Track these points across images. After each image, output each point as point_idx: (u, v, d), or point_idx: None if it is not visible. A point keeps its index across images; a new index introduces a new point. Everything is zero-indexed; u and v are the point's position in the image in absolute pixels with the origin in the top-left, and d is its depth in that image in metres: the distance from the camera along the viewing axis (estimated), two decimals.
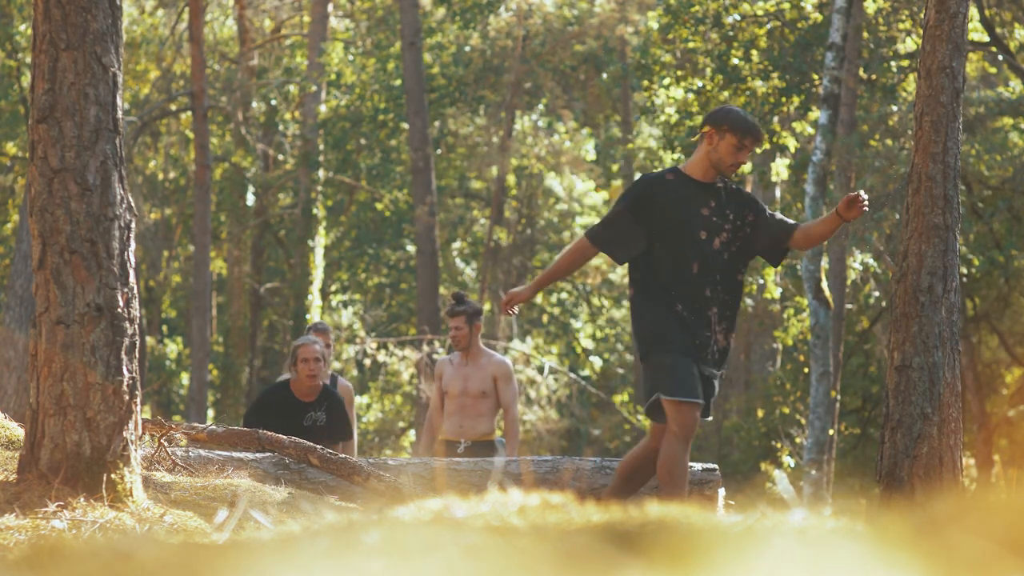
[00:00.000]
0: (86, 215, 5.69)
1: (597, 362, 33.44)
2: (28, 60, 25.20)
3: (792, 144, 21.63)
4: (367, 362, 28.90)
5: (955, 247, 6.73)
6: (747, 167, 22.43)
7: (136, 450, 5.76)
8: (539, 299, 32.90)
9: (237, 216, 29.30)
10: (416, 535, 2.35)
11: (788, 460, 22.79)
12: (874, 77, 20.64)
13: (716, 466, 7.86)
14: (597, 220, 32.45)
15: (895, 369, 6.67)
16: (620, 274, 27.73)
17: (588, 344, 33.32)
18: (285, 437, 7.19)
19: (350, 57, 30.73)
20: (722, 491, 7.64)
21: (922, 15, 9.44)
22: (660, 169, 7.65)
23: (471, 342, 10.35)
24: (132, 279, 5.77)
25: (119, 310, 5.70)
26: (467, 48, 29.91)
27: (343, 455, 7.14)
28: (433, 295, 25.77)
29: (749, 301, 24.22)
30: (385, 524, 2.51)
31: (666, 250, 6.92)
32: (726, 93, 21.26)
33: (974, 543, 2.28)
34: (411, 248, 31.21)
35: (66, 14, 5.72)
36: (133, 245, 5.80)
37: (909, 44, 20.87)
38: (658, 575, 2.20)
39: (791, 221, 7.04)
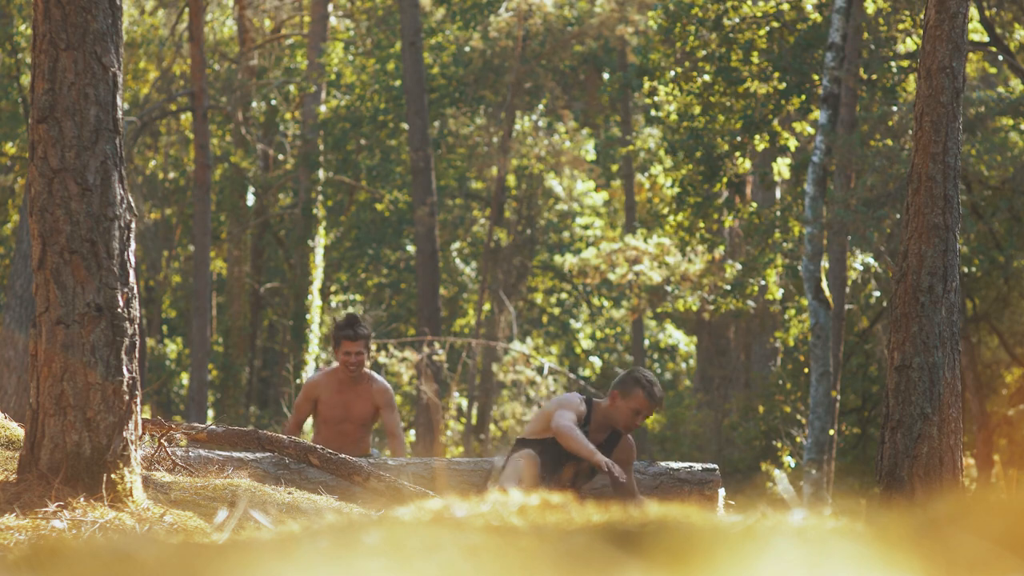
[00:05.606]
0: (86, 215, 5.68)
1: (597, 362, 33.44)
2: (28, 60, 25.18)
3: (792, 144, 21.62)
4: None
5: (955, 247, 6.72)
6: (747, 167, 22.42)
7: (136, 450, 5.76)
8: (539, 299, 32.91)
9: (237, 216, 29.28)
10: (416, 535, 2.35)
11: (788, 460, 22.77)
12: (874, 77, 20.63)
13: (716, 466, 7.86)
14: (596, 220, 32.52)
15: (895, 369, 6.67)
16: (619, 274, 27.70)
17: (588, 344, 33.31)
18: (285, 437, 7.18)
19: (350, 57, 30.71)
20: (722, 491, 7.64)
21: (922, 15, 9.43)
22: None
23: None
24: (132, 279, 5.77)
25: (119, 310, 5.70)
26: (467, 48, 29.90)
27: (343, 455, 7.13)
28: (433, 295, 25.76)
29: (750, 302, 24.18)
30: (385, 524, 2.50)
31: None
32: (726, 98, 21.25)
33: (974, 543, 2.27)
34: (411, 248, 31.20)
35: (66, 14, 5.71)
36: (133, 245, 5.79)
37: (909, 44, 20.86)
38: (658, 575, 2.19)
39: None
